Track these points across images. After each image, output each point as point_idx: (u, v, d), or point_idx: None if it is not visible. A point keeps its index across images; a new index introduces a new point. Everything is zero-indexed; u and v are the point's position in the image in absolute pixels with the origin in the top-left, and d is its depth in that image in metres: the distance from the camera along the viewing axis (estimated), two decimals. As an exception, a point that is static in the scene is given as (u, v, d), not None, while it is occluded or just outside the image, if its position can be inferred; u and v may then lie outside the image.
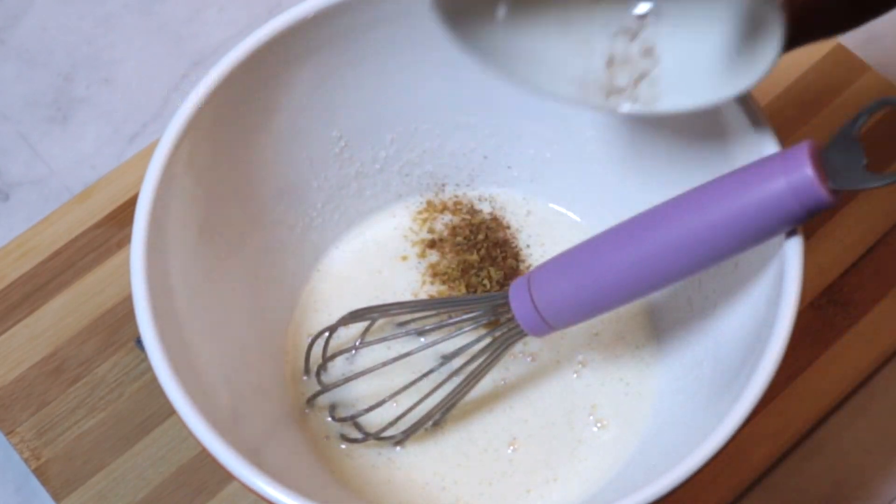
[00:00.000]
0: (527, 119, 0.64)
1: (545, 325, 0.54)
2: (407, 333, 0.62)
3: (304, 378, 0.62)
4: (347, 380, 0.60)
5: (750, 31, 0.48)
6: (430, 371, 0.59)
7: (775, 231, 0.47)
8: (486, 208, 0.67)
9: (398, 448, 0.61)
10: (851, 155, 0.45)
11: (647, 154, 0.60)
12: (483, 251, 0.66)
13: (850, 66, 0.72)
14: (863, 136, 0.45)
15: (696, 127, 0.56)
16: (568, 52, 0.52)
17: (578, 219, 0.67)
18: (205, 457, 0.60)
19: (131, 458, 0.62)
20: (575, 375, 0.62)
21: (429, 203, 0.68)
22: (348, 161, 0.64)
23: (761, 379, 0.47)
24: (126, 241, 0.67)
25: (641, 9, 0.51)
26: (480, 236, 0.66)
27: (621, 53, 0.52)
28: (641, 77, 0.51)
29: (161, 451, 0.62)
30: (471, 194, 0.68)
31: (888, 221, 0.67)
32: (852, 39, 0.73)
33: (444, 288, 0.65)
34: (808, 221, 0.47)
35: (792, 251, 0.49)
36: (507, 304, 0.55)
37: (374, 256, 0.66)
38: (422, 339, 0.62)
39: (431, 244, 0.66)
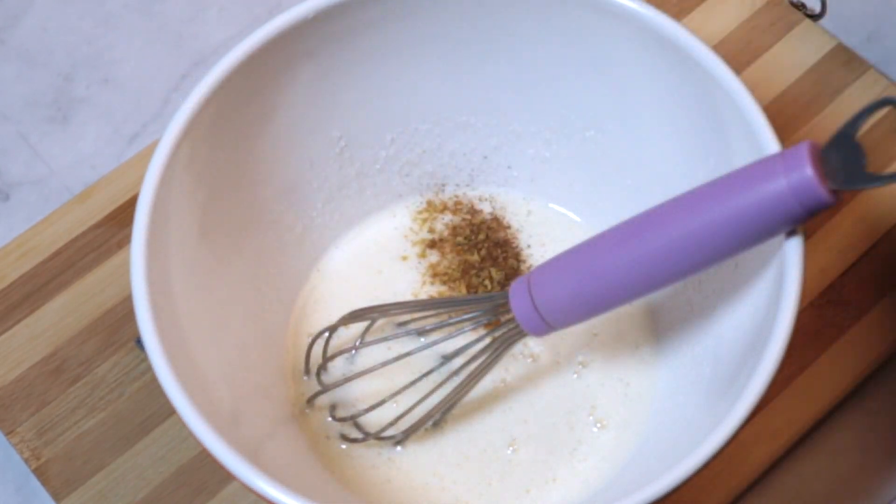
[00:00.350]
0: (527, 119, 0.64)
1: (545, 325, 0.54)
2: (407, 333, 0.62)
3: (305, 378, 0.62)
4: (347, 380, 0.60)
5: None
6: (430, 371, 0.59)
7: (775, 231, 0.47)
8: (486, 208, 0.67)
9: (398, 448, 0.61)
10: (851, 155, 0.45)
11: (647, 154, 0.60)
12: (484, 251, 0.66)
13: (850, 66, 0.72)
14: (863, 136, 0.45)
15: (697, 127, 0.56)
16: None
17: (579, 219, 0.66)
18: (205, 457, 0.60)
19: (131, 458, 0.62)
20: (575, 376, 0.62)
21: (429, 203, 0.67)
22: (348, 161, 0.64)
23: (761, 379, 0.47)
24: (126, 241, 0.67)
25: None
26: (481, 236, 0.66)
27: None
28: None
29: (161, 451, 0.62)
30: (471, 194, 0.68)
31: (888, 221, 0.67)
32: (852, 39, 0.73)
33: (444, 288, 0.65)
34: (808, 221, 0.47)
35: (792, 251, 0.49)
36: (507, 303, 0.55)
37: (374, 256, 0.66)
38: (422, 340, 0.62)
39: (432, 244, 0.66)
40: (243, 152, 0.58)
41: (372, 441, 0.60)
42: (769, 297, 0.50)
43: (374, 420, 0.60)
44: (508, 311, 0.55)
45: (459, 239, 0.66)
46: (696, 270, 0.49)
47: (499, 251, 0.66)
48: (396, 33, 0.58)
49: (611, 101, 0.60)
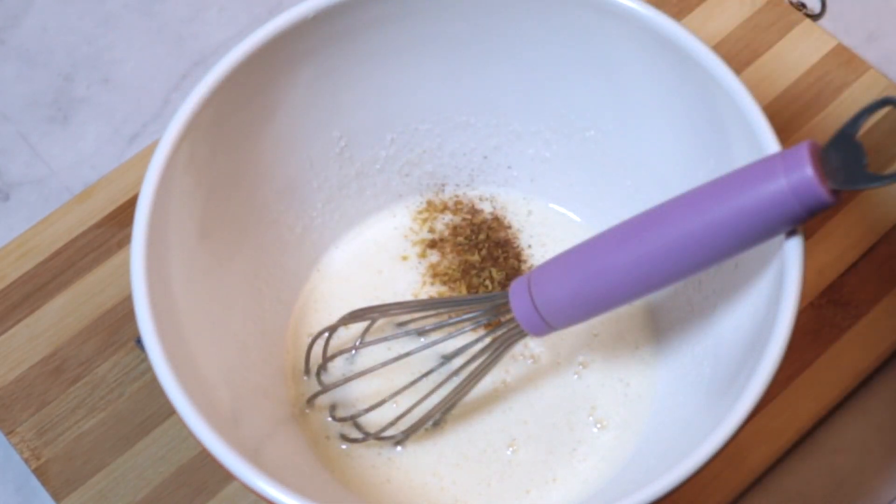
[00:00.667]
0: (527, 119, 0.64)
1: (545, 325, 0.54)
2: (407, 333, 0.62)
3: (305, 378, 0.62)
4: (347, 380, 0.60)
5: None
6: (430, 371, 0.59)
7: (775, 231, 0.47)
8: (486, 208, 0.67)
9: (398, 448, 0.61)
10: (851, 154, 0.45)
11: (647, 154, 0.60)
12: (485, 251, 0.65)
13: (851, 66, 0.72)
14: (863, 135, 0.45)
15: (697, 127, 0.56)
16: None
17: (579, 219, 0.66)
18: (205, 457, 0.60)
19: (131, 458, 0.62)
20: (575, 376, 0.62)
21: (429, 203, 0.67)
22: (348, 161, 0.64)
23: (761, 379, 0.47)
24: (126, 241, 0.67)
25: None
26: (482, 236, 0.66)
27: None
28: None
29: (161, 451, 0.62)
30: (471, 194, 0.68)
31: (888, 221, 0.67)
32: (852, 39, 0.73)
33: (444, 289, 0.65)
34: (808, 221, 0.47)
35: (792, 251, 0.49)
36: (507, 303, 0.55)
37: (374, 256, 0.66)
38: (422, 340, 0.62)
39: (432, 244, 0.66)
40: (243, 152, 0.58)
41: (372, 441, 0.60)
42: (769, 297, 0.50)
43: (374, 420, 0.60)
44: (509, 311, 0.55)
45: (460, 239, 0.66)
46: (697, 270, 0.49)
47: (499, 251, 0.66)
48: (397, 33, 0.58)
49: (611, 101, 0.60)
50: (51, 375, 0.64)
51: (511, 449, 0.61)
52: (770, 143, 0.51)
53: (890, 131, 0.69)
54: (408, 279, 0.65)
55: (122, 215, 0.68)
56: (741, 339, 0.53)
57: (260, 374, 0.59)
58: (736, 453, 0.60)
